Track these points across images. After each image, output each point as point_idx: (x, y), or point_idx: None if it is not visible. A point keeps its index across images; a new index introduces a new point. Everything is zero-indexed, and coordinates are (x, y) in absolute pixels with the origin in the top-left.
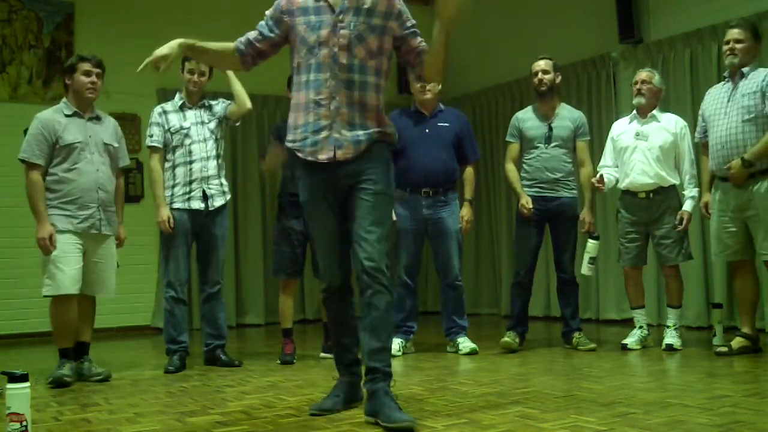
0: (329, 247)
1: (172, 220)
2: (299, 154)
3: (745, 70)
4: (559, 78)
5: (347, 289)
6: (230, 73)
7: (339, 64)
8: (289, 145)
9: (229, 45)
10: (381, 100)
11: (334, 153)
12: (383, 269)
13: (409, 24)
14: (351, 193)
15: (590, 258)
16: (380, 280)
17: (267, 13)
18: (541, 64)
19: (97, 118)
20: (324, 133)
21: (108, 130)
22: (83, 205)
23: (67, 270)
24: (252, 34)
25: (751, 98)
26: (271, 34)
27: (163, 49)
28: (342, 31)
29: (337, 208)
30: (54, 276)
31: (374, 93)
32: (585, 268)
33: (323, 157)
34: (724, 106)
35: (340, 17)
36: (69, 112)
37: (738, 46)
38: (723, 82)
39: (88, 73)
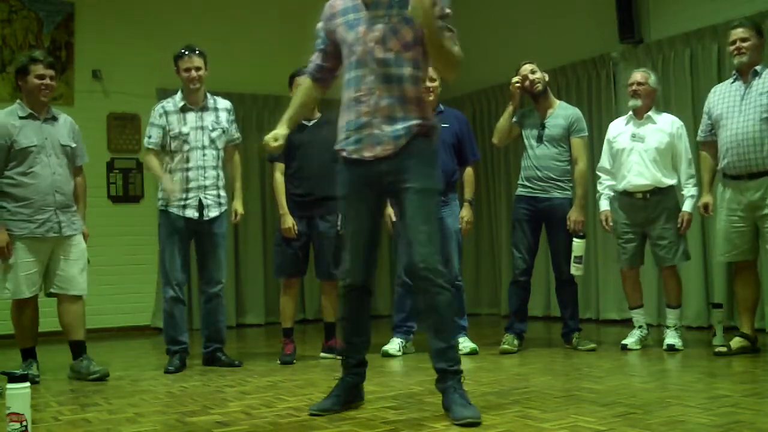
0: (358, 245)
1: (178, 184)
2: (343, 153)
3: (758, 68)
4: (546, 77)
5: (367, 290)
6: (237, 183)
7: (375, 59)
8: (336, 147)
9: (306, 84)
10: (421, 91)
11: (375, 150)
12: (438, 269)
13: (439, 14)
14: (394, 192)
15: (575, 257)
16: (436, 282)
17: (318, 26)
18: (528, 67)
19: (53, 119)
20: (366, 130)
21: (64, 130)
22: (39, 208)
23: (22, 275)
24: (316, 58)
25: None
26: (329, 48)
27: (278, 137)
28: (377, 26)
29: (374, 207)
30: (10, 280)
31: (412, 85)
32: (573, 268)
33: (367, 154)
34: (737, 104)
35: (375, 12)
36: (23, 114)
37: (744, 44)
38: (730, 81)
39: (41, 77)
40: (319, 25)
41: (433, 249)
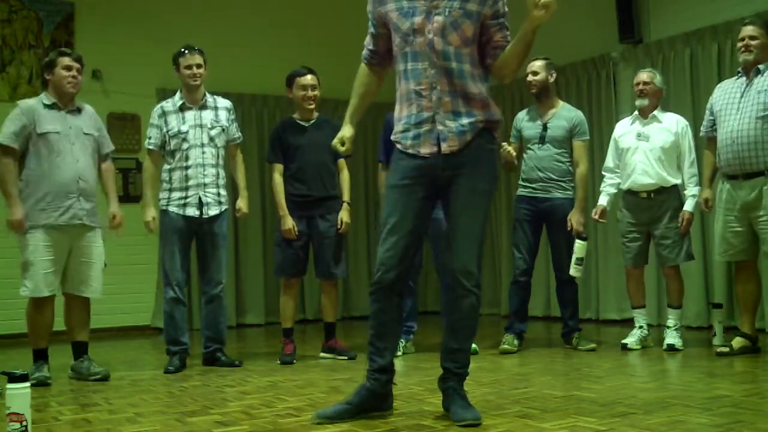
0: (396, 239)
1: (156, 222)
2: (398, 146)
3: (761, 66)
4: (554, 77)
5: (397, 291)
6: (239, 174)
7: (435, 51)
8: (392, 137)
9: (362, 71)
10: (482, 88)
11: (438, 146)
12: (472, 271)
13: (501, 12)
14: (449, 186)
15: (577, 259)
16: (465, 285)
17: (367, 8)
18: (533, 65)
19: (78, 110)
20: (426, 126)
21: (87, 119)
22: (63, 196)
23: (41, 272)
24: (369, 42)
25: (767, 95)
26: (380, 31)
27: (344, 140)
28: (436, 17)
29: (422, 205)
30: (30, 278)
31: (472, 82)
32: (573, 269)
33: (425, 151)
34: (736, 102)
35: (435, 3)
36: (48, 103)
37: (753, 42)
38: (735, 77)
39: (68, 68)
40: (368, 7)
41: (473, 251)
